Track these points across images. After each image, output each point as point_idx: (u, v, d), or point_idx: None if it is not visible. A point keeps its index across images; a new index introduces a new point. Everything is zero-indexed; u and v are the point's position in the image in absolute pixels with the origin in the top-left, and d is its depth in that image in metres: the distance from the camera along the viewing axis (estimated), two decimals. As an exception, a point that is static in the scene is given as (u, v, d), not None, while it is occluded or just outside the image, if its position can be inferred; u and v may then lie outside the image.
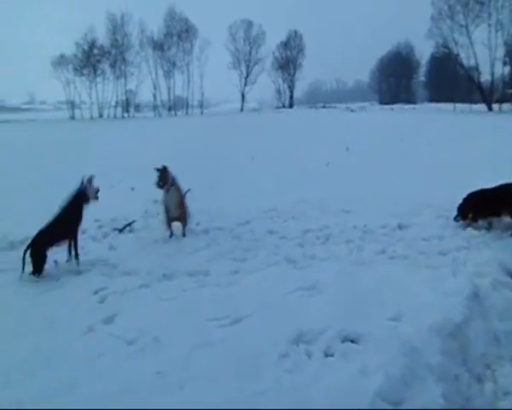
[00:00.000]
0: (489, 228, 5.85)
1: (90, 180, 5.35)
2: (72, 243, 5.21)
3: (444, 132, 21.85)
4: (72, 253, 5.22)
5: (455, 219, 6.05)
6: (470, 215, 5.92)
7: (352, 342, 3.26)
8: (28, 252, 4.82)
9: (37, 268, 4.83)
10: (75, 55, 68.24)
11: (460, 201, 6.00)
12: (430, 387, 2.70)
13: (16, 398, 2.75)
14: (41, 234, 4.95)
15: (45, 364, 3.16)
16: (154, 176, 6.22)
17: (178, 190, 6.27)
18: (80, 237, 6.14)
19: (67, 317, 3.93)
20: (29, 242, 4.94)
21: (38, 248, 4.87)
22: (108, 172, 11.80)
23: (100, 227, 6.69)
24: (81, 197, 5.27)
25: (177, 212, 6.21)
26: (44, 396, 2.76)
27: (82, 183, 5.32)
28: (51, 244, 4.97)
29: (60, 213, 5.17)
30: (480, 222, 5.92)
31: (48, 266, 5.02)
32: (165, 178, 6.18)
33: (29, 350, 3.36)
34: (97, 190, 5.39)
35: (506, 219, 5.79)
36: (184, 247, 5.78)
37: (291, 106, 77.17)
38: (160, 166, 6.23)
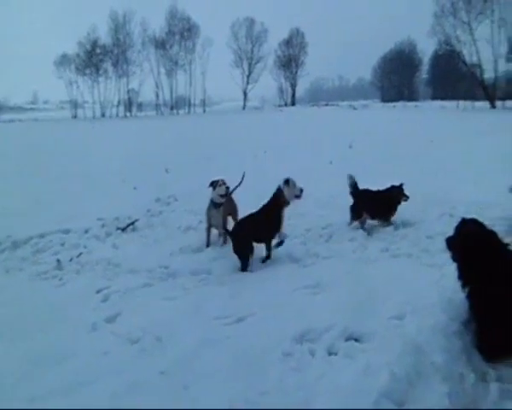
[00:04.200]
0: None
1: (286, 182, 5.18)
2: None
3: (447, 130, 21.74)
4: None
5: None
6: None
7: (356, 340, 3.25)
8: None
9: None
10: (78, 55, 68.62)
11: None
12: (435, 386, 2.68)
13: (30, 395, 2.79)
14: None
15: (56, 361, 3.19)
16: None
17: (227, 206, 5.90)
18: (84, 236, 6.19)
19: (72, 315, 3.95)
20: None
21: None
22: (111, 172, 11.83)
23: (103, 226, 6.69)
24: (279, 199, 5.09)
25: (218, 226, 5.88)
26: (56, 393, 2.80)
27: (278, 186, 5.14)
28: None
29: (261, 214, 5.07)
30: None
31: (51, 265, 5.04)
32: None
33: (42, 347, 3.40)
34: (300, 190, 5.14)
35: None
36: (187, 246, 5.77)
37: (293, 104, 77.09)
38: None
